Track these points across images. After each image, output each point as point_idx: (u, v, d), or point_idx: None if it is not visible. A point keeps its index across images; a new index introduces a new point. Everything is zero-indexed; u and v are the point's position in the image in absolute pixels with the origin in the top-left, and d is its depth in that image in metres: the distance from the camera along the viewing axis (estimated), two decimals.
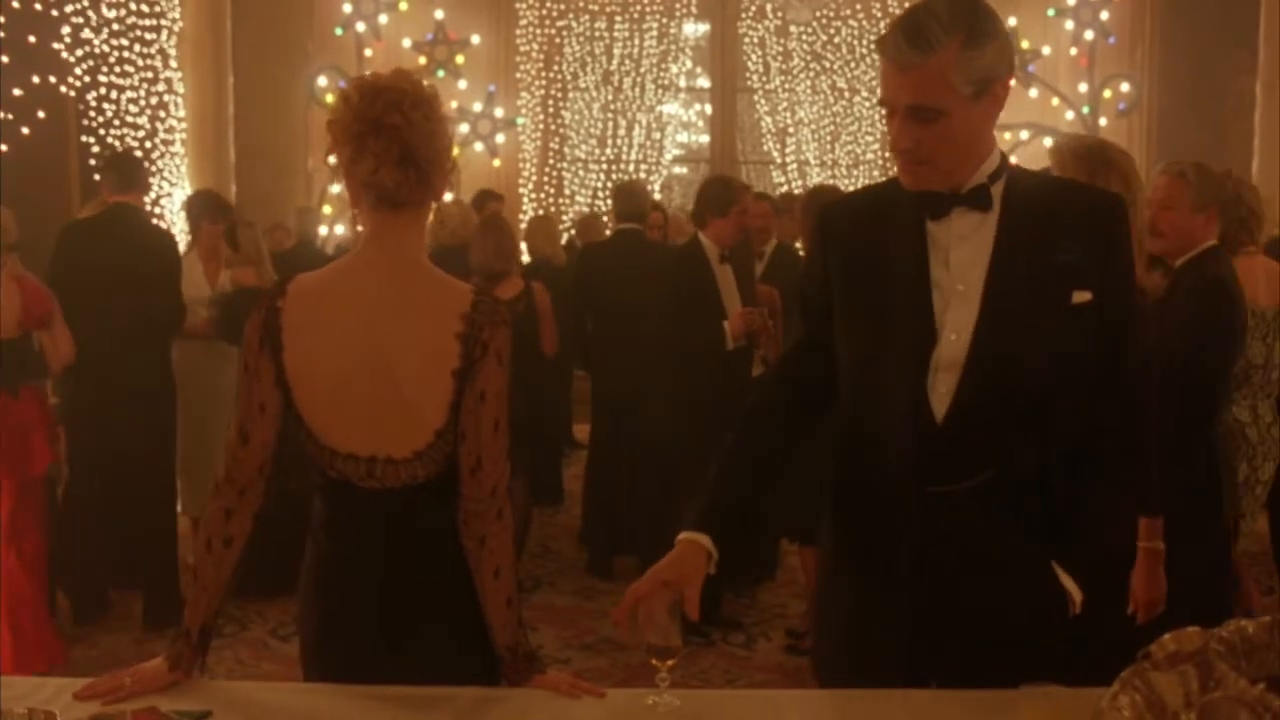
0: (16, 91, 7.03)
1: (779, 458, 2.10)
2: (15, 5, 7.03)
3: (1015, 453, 1.91)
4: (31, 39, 7.25)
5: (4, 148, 6.83)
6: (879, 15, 10.64)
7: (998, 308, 1.88)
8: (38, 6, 7.40)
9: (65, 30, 7.79)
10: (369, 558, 2.01)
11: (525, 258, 7.20)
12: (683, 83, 11.19)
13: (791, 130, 10.90)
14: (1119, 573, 2.01)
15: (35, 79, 7.26)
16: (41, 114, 7.19)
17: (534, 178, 10.95)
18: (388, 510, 1.99)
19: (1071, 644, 1.94)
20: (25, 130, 6.98)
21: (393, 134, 1.88)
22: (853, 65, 10.86)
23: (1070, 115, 11.00)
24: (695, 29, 11.23)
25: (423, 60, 10.74)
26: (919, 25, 1.81)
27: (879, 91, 1.93)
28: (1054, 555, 1.93)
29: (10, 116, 6.88)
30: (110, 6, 8.12)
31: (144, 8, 8.45)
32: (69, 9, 7.77)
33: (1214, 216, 3.46)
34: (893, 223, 1.96)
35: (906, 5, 9.22)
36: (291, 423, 2.00)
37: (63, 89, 7.68)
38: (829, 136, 10.91)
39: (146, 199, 6.70)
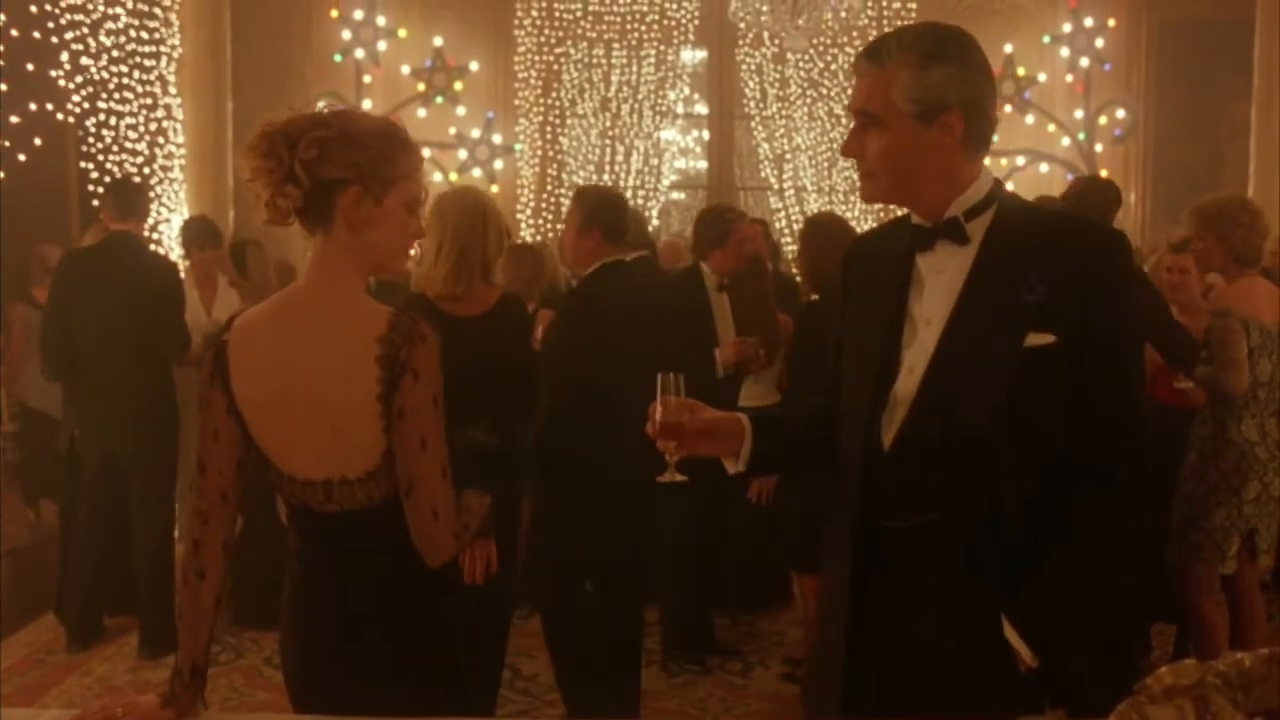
0: (14, 119, 7.05)
1: (814, 450, 2.15)
2: (14, 33, 7.06)
3: (961, 493, 1.85)
4: (30, 66, 7.27)
5: (1, 174, 6.84)
6: None
7: (952, 344, 1.88)
8: (36, 34, 7.43)
9: (64, 57, 7.82)
10: (335, 583, 2.03)
11: None
12: (680, 109, 11.21)
13: (789, 156, 10.93)
14: (1084, 628, 1.87)
15: (33, 106, 7.28)
16: (39, 141, 7.21)
17: (532, 204, 10.97)
18: (349, 534, 2.01)
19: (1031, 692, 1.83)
20: (22, 157, 7.00)
21: (273, 160, 1.95)
22: (849, 92, 10.88)
23: (1066, 141, 11.04)
24: (693, 56, 11.27)
25: (421, 87, 10.78)
26: (880, 42, 1.93)
27: None
28: (1006, 606, 1.82)
29: (8, 144, 6.90)
30: (109, 33, 8.15)
31: (143, 34, 8.48)
32: (68, 36, 7.80)
33: (600, 238, 4.06)
34: (892, 255, 2.00)
35: None
36: (255, 453, 2.04)
37: (61, 116, 7.70)
38: (826, 162, 10.93)
39: (145, 225, 6.71)
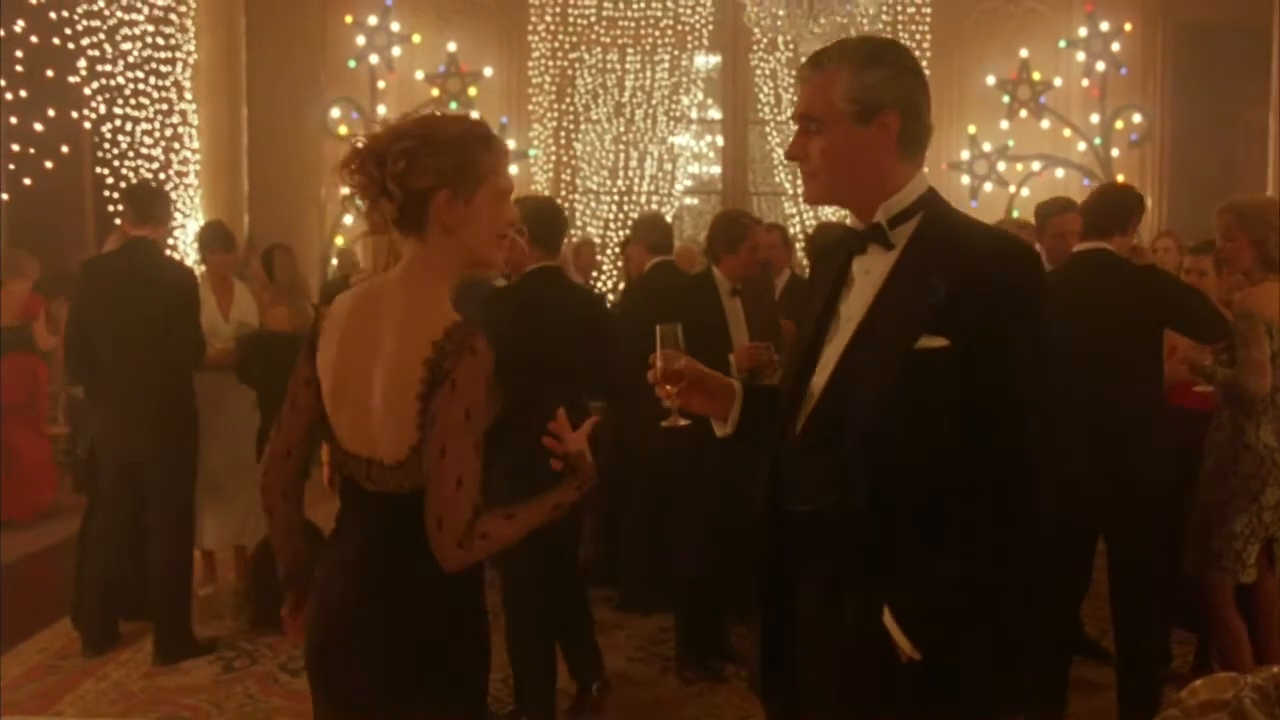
0: (38, 126, 7.10)
1: None
2: (34, 40, 7.10)
3: (849, 485, 1.92)
4: (49, 73, 7.32)
5: (27, 181, 6.88)
6: None
7: (858, 343, 1.98)
8: (55, 41, 7.47)
9: (82, 63, 7.86)
10: (365, 556, 2.13)
11: None
12: (694, 114, 11.22)
13: None
14: (960, 628, 1.87)
15: (52, 112, 7.33)
16: (66, 149, 7.27)
17: None
18: (384, 513, 2.11)
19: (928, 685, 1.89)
20: (49, 164, 7.05)
21: (366, 177, 2.10)
22: None
23: (1082, 146, 11.01)
24: (707, 61, 11.28)
25: (435, 92, 10.80)
26: (822, 51, 2.04)
27: None
28: (890, 599, 1.89)
29: (32, 150, 6.94)
30: (126, 39, 8.19)
31: (159, 40, 8.53)
32: (85, 42, 7.84)
33: (527, 243, 3.99)
34: (838, 256, 2.12)
35: (917, 38, 9.21)
36: (322, 420, 2.20)
37: (86, 125, 7.75)
38: None
39: (165, 230, 6.74)
